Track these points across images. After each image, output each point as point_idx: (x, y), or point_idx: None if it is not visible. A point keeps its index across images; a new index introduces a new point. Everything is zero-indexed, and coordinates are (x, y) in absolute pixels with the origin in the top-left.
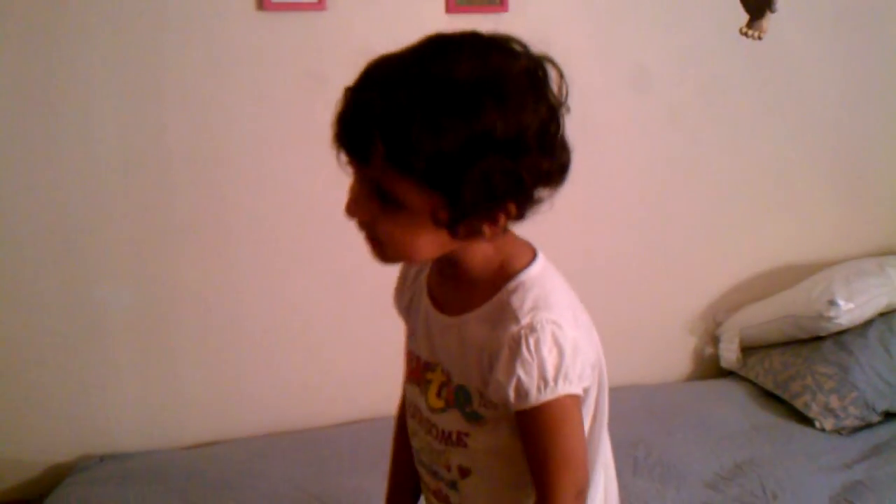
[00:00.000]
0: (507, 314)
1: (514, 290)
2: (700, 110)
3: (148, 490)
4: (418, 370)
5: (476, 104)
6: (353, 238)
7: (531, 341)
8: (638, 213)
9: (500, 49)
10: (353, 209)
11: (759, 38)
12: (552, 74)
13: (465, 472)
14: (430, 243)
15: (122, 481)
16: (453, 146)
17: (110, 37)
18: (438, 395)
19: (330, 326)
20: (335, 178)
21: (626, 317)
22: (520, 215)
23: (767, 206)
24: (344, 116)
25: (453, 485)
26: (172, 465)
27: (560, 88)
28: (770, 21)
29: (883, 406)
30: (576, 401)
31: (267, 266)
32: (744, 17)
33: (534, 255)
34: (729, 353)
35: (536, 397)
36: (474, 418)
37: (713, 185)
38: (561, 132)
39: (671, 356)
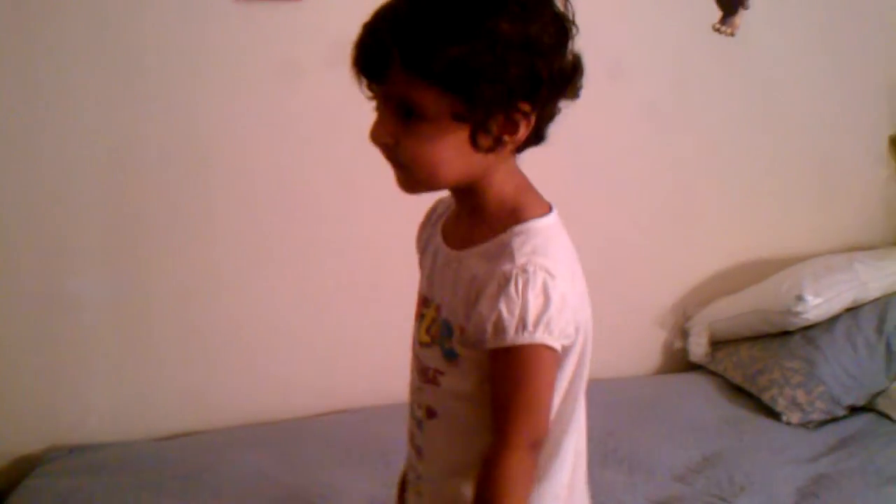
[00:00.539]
0: (505, 253)
1: (519, 234)
2: (673, 105)
3: (119, 481)
4: (419, 306)
5: (489, 5)
6: (332, 230)
7: (520, 281)
8: (609, 208)
9: None
10: (376, 133)
11: (732, 34)
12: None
13: (431, 413)
14: (454, 159)
15: (92, 472)
16: (467, 44)
17: (86, 27)
18: (427, 330)
19: (304, 318)
20: (313, 168)
21: (596, 310)
22: (538, 128)
23: (738, 202)
24: (360, 40)
25: (419, 424)
26: (144, 457)
27: (566, 7)
28: (743, 17)
29: (848, 400)
30: (552, 354)
31: (242, 258)
32: (717, 13)
33: (548, 210)
34: (698, 347)
35: (513, 338)
36: (450, 356)
37: (684, 179)
38: (572, 44)
39: (641, 350)
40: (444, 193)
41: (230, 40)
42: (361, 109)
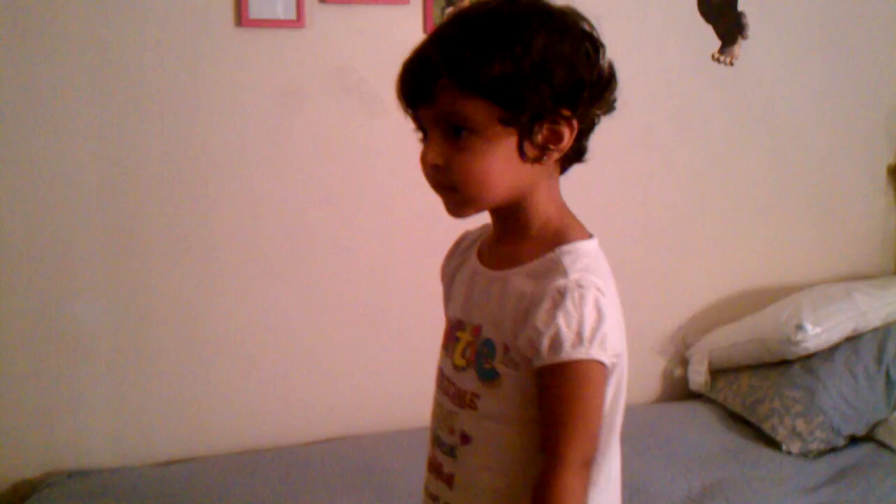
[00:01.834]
0: (556, 269)
1: (568, 253)
2: (672, 134)
3: None
4: (449, 331)
5: (527, 21)
6: (331, 253)
7: (576, 295)
8: (609, 236)
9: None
10: (427, 155)
11: (731, 63)
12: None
13: (466, 439)
14: (503, 171)
15: (90, 498)
16: (509, 56)
17: (88, 50)
18: (463, 353)
19: (306, 343)
20: (313, 192)
21: None
22: (579, 140)
23: (738, 231)
24: (405, 69)
25: (451, 451)
26: (142, 483)
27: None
28: (742, 47)
29: (848, 430)
30: (603, 370)
31: (242, 282)
32: (716, 43)
33: (591, 237)
34: (697, 376)
35: (569, 353)
36: (489, 377)
37: (684, 208)
38: (605, 61)
39: (640, 378)
40: (471, 225)
41: (232, 65)
42: (360, 134)
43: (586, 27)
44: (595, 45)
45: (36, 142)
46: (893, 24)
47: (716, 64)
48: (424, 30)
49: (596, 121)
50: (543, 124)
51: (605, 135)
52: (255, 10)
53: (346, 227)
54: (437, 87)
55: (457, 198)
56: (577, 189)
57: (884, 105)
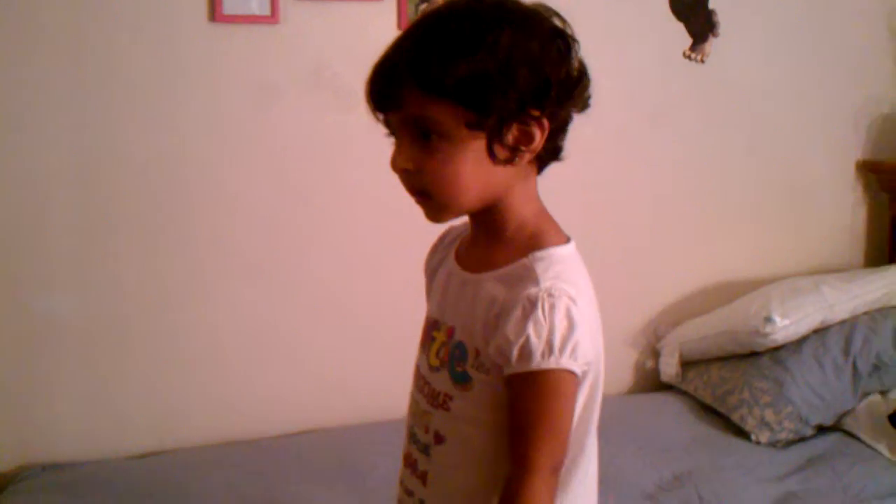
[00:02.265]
0: (527, 277)
1: (541, 259)
2: (644, 131)
3: (92, 500)
4: (426, 329)
5: (493, 21)
6: (305, 248)
7: (547, 305)
8: (582, 230)
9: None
10: (396, 160)
11: (702, 61)
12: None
13: (439, 439)
14: (474, 175)
15: (65, 491)
16: (474, 58)
17: (62, 45)
18: (437, 353)
19: (280, 335)
20: (285, 188)
21: None
22: (553, 140)
23: (708, 226)
24: (373, 75)
25: (425, 449)
26: (116, 475)
27: (564, 23)
28: (713, 45)
29: (816, 420)
30: (573, 379)
31: (216, 276)
32: (687, 40)
33: (567, 241)
34: (669, 367)
35: (538, 362)
36: (462, 380)
37: (657, 203)
38: (575, 53)
39: (613, 369)
40: (458, 221)
41: (206, 61)
42: (334, 129)
43: (557, 24)
44: (566, 43)
45: (9, 136)
46: (862, 21)
47: (687, 62)
48: (399, 26)
49: (569, 120)
50: (512, 125)
51: (579, 132)
52: (229, 5)
53: (320, 221)
54: (403, 91)
55: (432, 203)
56: (550, 186)
57: (853, 101)
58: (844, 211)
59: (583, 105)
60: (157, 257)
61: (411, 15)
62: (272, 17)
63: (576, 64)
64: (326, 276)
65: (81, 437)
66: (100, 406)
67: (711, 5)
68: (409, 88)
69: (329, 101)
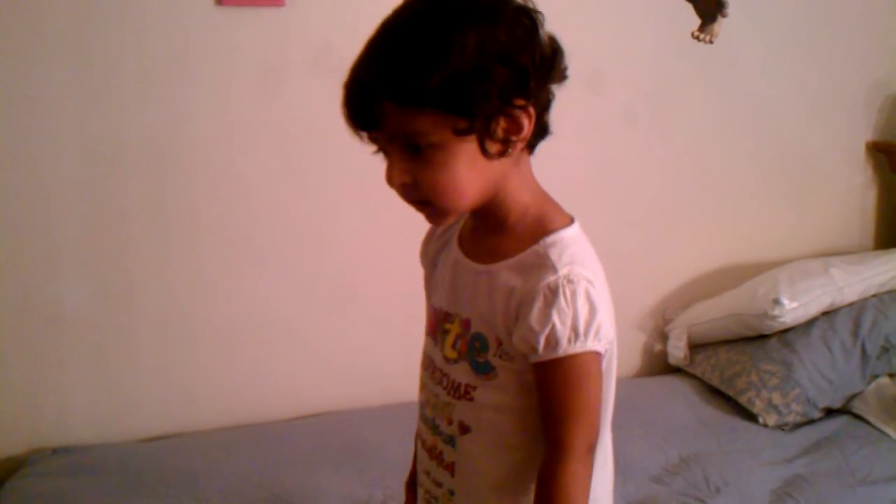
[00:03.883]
0: (544, 264)
1: (553, 244)
2: (652, 112)
3: (101, 483)
4: (436, 321)
5: (456, 18)
6: (310, 232)
7: (568, 292)
8: (590, 213)
9: None
10: (392, 177)
11: (711, 41)
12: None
13: (465, 429)
14: (471, 175)
15: (75, 474)
16: (445, 63)
17: (68, 29)
18: (454, 346)
19: (288, 319)
20: (292, 173)
21: None
22: (539, 120)
23: (717, 208)
24: (346, 97)
25: (451, 440)
26: (127, 459)
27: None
28: (721, 25)
29: (824, 403)
30: (598, 359)
31: (224, 259)
32: (696, 21)
33: (571, 220)
34: (677, 350)
35: (566, 348)
36: (484, 370)
37: (665, 185)
38: (544, 35)
39: (621, 352)
40: None
41: (213, 45)
42: (340, 114)
43: (518, 1)
44: (532, 19)
45: (16, 122)
46: (873, 1)
47: (696, 42)
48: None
49: (551, 98)
50: (499, 119)
51: (585, 113)
52: None
53: (326, 205)
54: (380, 110)
55: (432, 210)
56: (557, 167)
57: (862, 82)
58: (854, 193)
59: (561, 77)
60: (165, 243)
61: None
62: (278, 0)
63: (546, 40)
64: (333, 260)
65: (91, 421)
66: (109, 390)
67: None
68: (386, 106)
69: (335, 86)
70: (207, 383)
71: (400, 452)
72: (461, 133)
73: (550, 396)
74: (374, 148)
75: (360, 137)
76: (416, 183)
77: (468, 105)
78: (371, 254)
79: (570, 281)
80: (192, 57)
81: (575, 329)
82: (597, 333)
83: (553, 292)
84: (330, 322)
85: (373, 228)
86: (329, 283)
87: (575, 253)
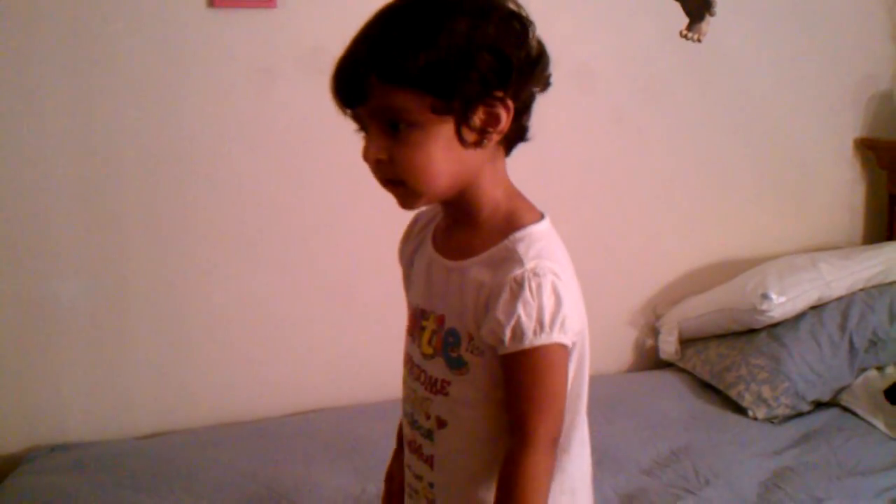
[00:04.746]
0: (512, 258)
1: (521, 239)
2: (642, 110)
3: (99, 479)
4: (413, 319)
5: (450, 8)
6: (304, 231)
7: (534, 284)
8: (581, 210)
9: None
10: (368, 151)
11: (699, 40)
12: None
13: (441, 423)
14: (446, 159)
15: (73, 471)
16: (433, 45)
17: (63, 30)
18: (429, 342)
19: (281, 318)
20: (286, 173)
21: None
22: (518, 122)
23: (707, 204)
24: (336, 70)
25: (429, 434)
26: (124, 455)
27: (517, 6)
28: (709, 24)
29: (813, 396)
30: (565, 351)
31: (218, 258)
32: (684, 19)
33: (541, 216)
34: (668, 345)
35: (531, 340)
36: (457, 365)
37: (654, 182)
38: (532, 34)
39: (613, 348)
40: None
41: (205, 46)
42: (332, 113)
43: (512, 6)
44: (523, 24)
45: (12, 122)
46: None
47: (684, 40)
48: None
49: (532, 99)
50: (478, 108)
51: (575, 111)
52: None
53: (320, 203)
54: (367, 85)
55: (404, 191)
56: (548, 165)
57: (850, 78)
58: (843, 188)
59: (544, 83)
60: (160, 242)
61: None
62: (269, 1)
63: (534, 44)
64: (328, 258)
65: (88, 418)
66: (106, 387)
67: None
68: (373, 81)
69: (327, 85)
70: (203, 381)
71: (392, 448)
72: (439, 111)
73: (516, 388)
74: (356, 127)
75: (345, 113)
76: (392, 160)
77: (450, 87)
78: (365, 252)
79: (535, 274)
80: (186, 58)
81: (540, 321)
82: (562, 326)
83: (519, 285)
84: (324, 320)
85: (365, 227)
86: (323, 282)
87: (543, 247)
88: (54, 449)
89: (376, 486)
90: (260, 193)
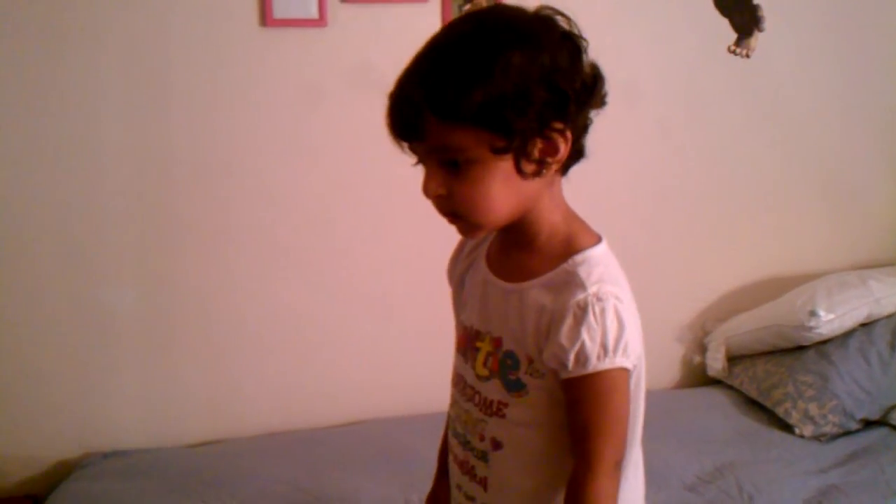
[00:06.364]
0: (573, 283)
1: (582, 263)
2: (689, 125)
3: (149, 485)
4: (466, 339)
5: (502, 40)
6: (351, 246)
7: (597, 309)
8: (629, 226)
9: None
10: (428, 187)
11: (748, 56)
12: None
13: (497, 445)
14: (505, 193)
15: (124, 477)
16: (488, 81)
17: (118, 47)
18: (485, 363)
19: (327, 330)
20: (333, 186)
21: None
22: (575, 144)
23: (755, 220)
24: (391, 107)
25: (483, 456)
26: (173, 463)
27: (571, 25)
28: (758, 40)
29: (861, 414)
30: (626, 375)
31: (266, 270)
32: (730, 35)
33: (599, 240)
34: (715, 362)
35: (595, 365)
36: (516, 388)
37: (702, 198)
38: (586, 56)
39: (661, 364)
40: None
41: (257, 64)
42: (380, 129)
43: (564, 27)
44: (576, 45)
45: (66, 135)
46: None
47: (731, 56)
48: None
49: (589, 122)
50: (536, 140)
51: (621, 127)
52: (279, 10)
53: (365, 218)
54: (423, 123)
55: (465, 224)
56: (595, 181)
57: None
58: (892, 204)
59: (600, 104)
60: (212, 253)
61: (455, 15)
62: (320, 20)
63: (587, 66)
64: (372, 272)
65: (141, 427)
66: (157, 397)
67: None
68: (429, 119)
69: (375, 102)
70: (251, 390)
71: (433, 460)
72: (499, 151)
73: (579, 412)
74: (414, 159)
75: (401, 147)
76: (451, 196)
77: (507, 124)
78: (408, 266)
79: (599, 298)
80: (237, 75)
81: (604, 346)
82: (625, 350)
83: (583, 310)
84: (368, 332)
85: (410, 241)
86: (368, 295)
87: (603, 271)
88: (108, 455)
89: (419, 497)
90: (307, 209)
